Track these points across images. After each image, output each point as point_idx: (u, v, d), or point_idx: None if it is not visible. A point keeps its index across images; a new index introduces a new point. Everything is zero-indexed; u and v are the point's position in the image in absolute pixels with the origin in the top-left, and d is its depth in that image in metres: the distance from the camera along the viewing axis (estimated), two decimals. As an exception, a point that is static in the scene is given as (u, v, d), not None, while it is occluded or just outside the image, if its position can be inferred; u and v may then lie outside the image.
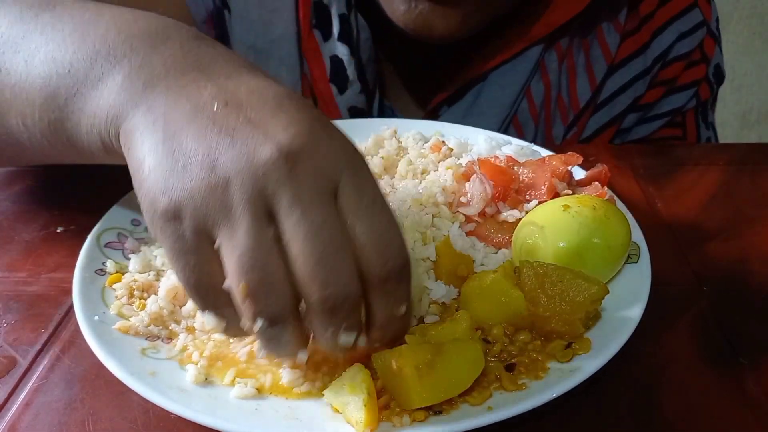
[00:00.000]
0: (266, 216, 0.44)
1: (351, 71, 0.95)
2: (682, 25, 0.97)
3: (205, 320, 0.48)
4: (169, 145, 0.47)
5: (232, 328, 0.48)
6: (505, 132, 0.96)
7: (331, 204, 0.45)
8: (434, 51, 0.91)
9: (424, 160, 0.77)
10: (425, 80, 1.01)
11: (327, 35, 0.95)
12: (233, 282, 0.45)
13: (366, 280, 0.46)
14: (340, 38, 0.94)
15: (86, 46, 0.55)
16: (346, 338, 0.47)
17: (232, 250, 0.44)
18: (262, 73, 0.52)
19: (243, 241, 0.44)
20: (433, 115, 1.00)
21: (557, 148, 0.80)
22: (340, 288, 0.45)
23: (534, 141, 0.96)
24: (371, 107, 1.00)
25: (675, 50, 0.97)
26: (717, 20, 1.02)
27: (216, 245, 0.45)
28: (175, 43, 0.53)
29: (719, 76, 1.02)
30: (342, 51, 0.94)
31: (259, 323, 0.45)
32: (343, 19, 0.93)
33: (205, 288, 0.46)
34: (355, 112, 0.98)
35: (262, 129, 0.46)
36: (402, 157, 0.78)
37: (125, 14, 0.57)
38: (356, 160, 0.47)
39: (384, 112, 1.02)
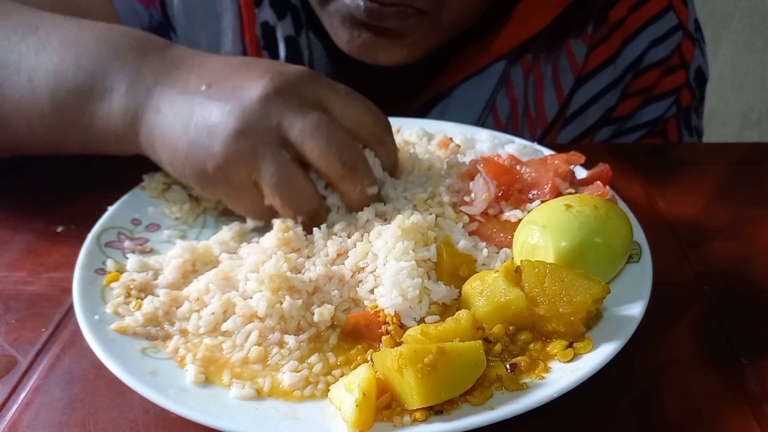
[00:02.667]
0: (280, 142, 0.62)
1: None
2: (656, 31, 0.93)
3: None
4: (186, 127, 0.63)
5: (318, 205, 0.67)
6: None
7: (321, 109, 0.64)
8: (393, 71, 0.90)
9: (431, 156, 0.77)
10: (389, 96, 0.98)
11: (275, 57, 0.94)
12: (271, 200, 0.64)
13: (368, 141, 0.67)
14: (288, 60, 0.93)
15: (84, 66, 0.68)
16: (371, 189, 0.67)
17: (264, 179, 0.63)
18: (214, 55, 0.69)
19: (269, 169, 0.62)
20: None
21: (559, 148, 0.80)
22: (352, 152, 0.64)
23: None
24: None
25: (648, 57, 0.94)
26: (696, 21, 0.98)
27: (284, 141, 0.63)
28: (154, 52, 0.69)
29: (701, 80, 0.99)
30: None
31: (347, 167, 0.64)
32: (290, 41, 0.92)
33: (291, 178, 0.63)
34: None
35: (245, 86, 0.63)
36: (408, 152, 0.78)
37: (104, 30, 0.71)
38: (320, 75, 0.66)
39: None
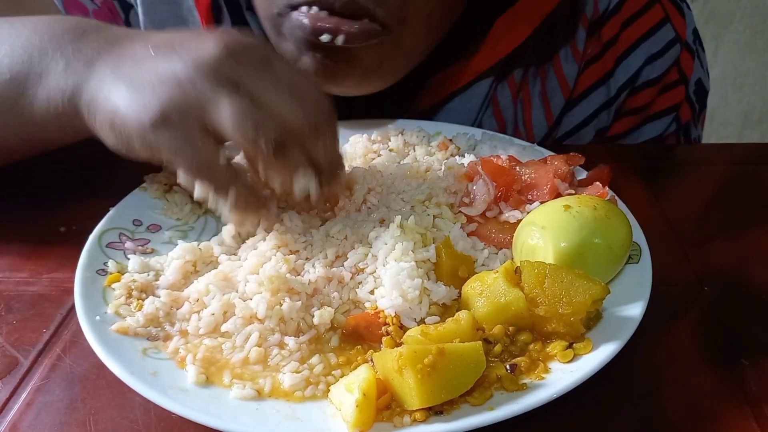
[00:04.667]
0: (235, 88, 0.57)
1: None
2: (652, 46, 0.89)
3: (223, 204, 0.60)
4: (130, 84, 0.59)
5: (241, 196, 0.60)
6: None
7: (273, 70, 0.60)
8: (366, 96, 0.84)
9: (430, 158, 0.77)
10: (372, 113, 0.93)
11: None
12: (238, 130, 0.56)
13: (297, 133, 0.59)
14: None
15: (18, 54, 0.66)
16: (304, 180, 0.61)
17: (226, 114, 0.56)
18: (161, 32, 0.65)
19: (230, 104, 0.56)
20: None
21: (559, 149, 0.80)
22: (316, 107, 0.59)
23: None
24: None
25: (644, 75, 0.90)
26: (695, 31, 0.93)
27: (207, 125, 0.57)
28: (92, 32, 0.65)
29: (702, 92, 0.95)
30: None
31: (270, 148, 0.57)
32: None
33: (210, 166, 0.58)
34: None
35: (195, 44, 0.59)
36: (408, 153, 0.78)
37: (40, 21, 0.68)
38: (268, 52, 0.62)
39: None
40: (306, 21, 0.71)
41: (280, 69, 0.60)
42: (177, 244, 0.68)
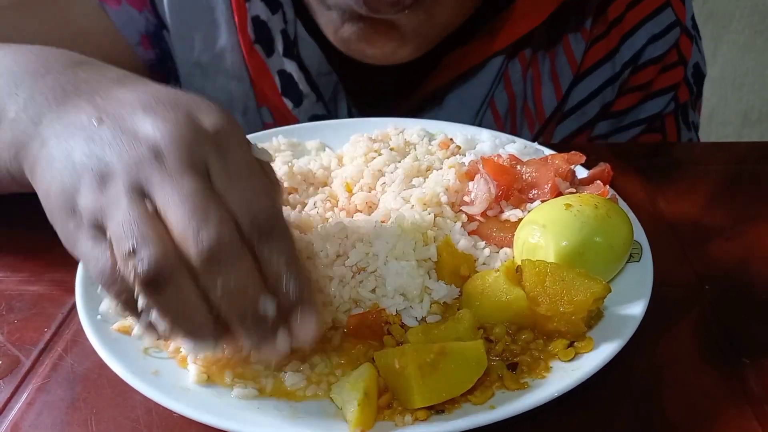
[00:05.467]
0: (141, 196, 0.48)
1: (303, 85, 0.94)
2: (654, 27, 0.93)
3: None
4: (65, 163, 0.52)
5: (141, 323, 0.49)
6: None
7: (200, 178, 0.49)
8: (384, 69, 0.89)
9: (431, 157, 0.77)
10: (386, 93, 0.99)
11: (270, 51, 0.93)
12: (118, 246, 0.47)
13: (245, 239, 0.48)
14: (286, 54, 0.93)
15: None
16: (238, 293, 0.47)
17: (116, 224, 0.47)
18: (132, 83, 0.57)
19: (122, 215, 0.47)
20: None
21: (560, 148, 0.80)
22: (213, 234, 0.46)
23: None
24: (335, 114, 0.99)
25: (647, 54, 0.94)
26: (693, 18, 0.99)
27: (108, 235, 0.48)
28: (54, 74, 0.59)
29: (699, 76, 1.00)
30: (290, 66, 0.93)
31: (142, 274, 0.46)
32: (285, 35, 0.92)
33: (107, 274, 0.48)
34: (318, 120, 0.95)
35: (132, 134, 0.51)
36: (409, 152, 0.78)
37: (11, 53, 0.64)
38: (223, 137, 0.51)
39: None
40: None
41: (219, 177, 0.50)
42: None
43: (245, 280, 0.47)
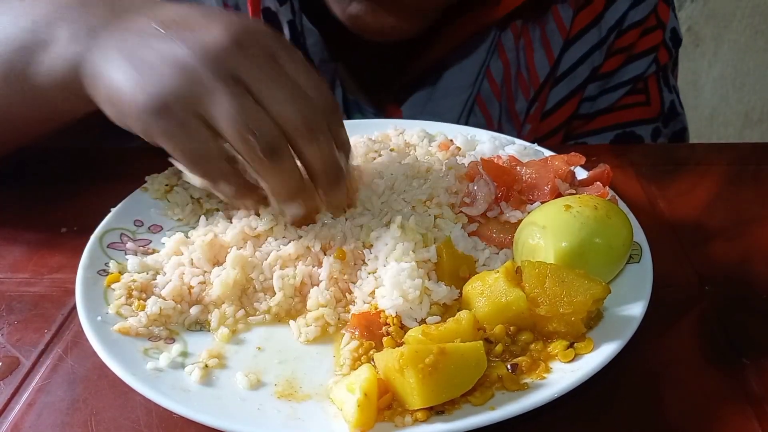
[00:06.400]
0: (237, 83, 0.57)
1: None
2: None
3: (218, 193, 0.63)
4: (132, 62, 0.58)
5: (240, 188, 0.61)
6: (470, 111, 1.00)
7: (278, 66, 0.60)
8: (385, 47, 0.92)
9: (431, 158, 0.77)
10: (385, 70, 1.02)
11: None
12: (231, 129, 0.56)
13: (316, 112, 0.60)
14: (292, 43, 0.94)
15: (24, 22, 0.66)
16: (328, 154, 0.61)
17: (223, 109, 0.56)
18: (179, 4, 0.64)
19: (228, 100, 0.56)
20: (398, 101, 1.01)
21: (560, 149, 0.80)
22: (306, 111, 0.59)
23: (499, 117, 1.00)
24: None
25: (629, 18, 0.99)
26: None
27: (204, 117, 0.57)
28: (98, 1, 0.65)
29: (676, 40, 1.05)
30: None
31: (262, 150, 0.57)
32: (292, 26, 0.94)
33: (206, 157, 0.58)
34: None
35: (204, 29, 0.59)
36: (409, 153, 0.78)
37: None
38: (280, 36, 0.63)
39: (349, 106, 1.03)
40: None
41: (286, 63, 0.60)
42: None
43: (329, 146, 0.61)
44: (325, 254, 0.65)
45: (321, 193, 0.64)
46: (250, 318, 0.62)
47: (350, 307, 0.62)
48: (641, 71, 1.03)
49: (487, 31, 0.97)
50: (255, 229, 0.66)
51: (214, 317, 0.61)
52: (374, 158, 0.78)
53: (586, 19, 0.99)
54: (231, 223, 0.68)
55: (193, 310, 0.62)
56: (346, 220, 0.67)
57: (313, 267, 0.64)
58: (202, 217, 0.70)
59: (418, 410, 0.50)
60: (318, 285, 0.63)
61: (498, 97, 1.01)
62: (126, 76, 0.59)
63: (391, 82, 1.01)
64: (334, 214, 0.67)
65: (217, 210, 0.75)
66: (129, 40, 0.60)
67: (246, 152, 0.58)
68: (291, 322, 0.61)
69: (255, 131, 0.56)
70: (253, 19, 0.61)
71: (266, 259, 0.64)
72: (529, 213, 0.65)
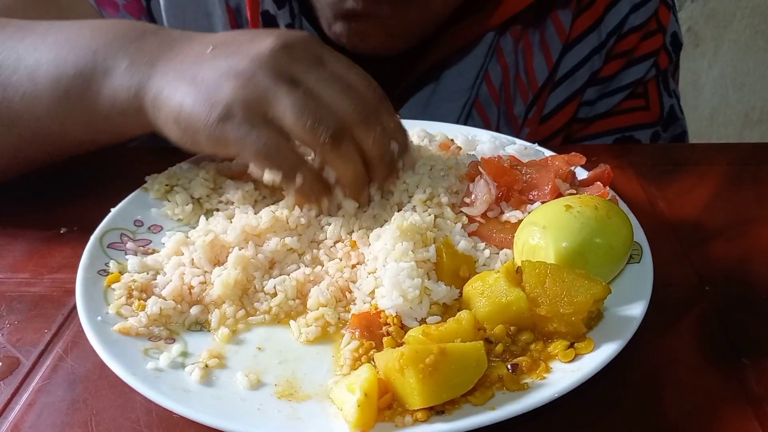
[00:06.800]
0: (292, 82, 0.63)
1: None
2: None
3: (291, 187, 0.65)
4: (193, 82, 0.64)
5: (307, 180, 0.65)
6: (468, 115, 1.00)
7: (325, 68, 0.65)
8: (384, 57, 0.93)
9: (431, 157, 0.77)
10: (382, 74, 1.01)
11: None
12: (298, 123, 0.62)
13: (369, 104, 0.65)
14: None
15: (82, 53, 0.70)
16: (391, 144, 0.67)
17: (287, 107, 0.62)
18: (224, 32, 0.72)
19: (290, 98, 0.62)
20: (396, 105, 1.00)
21: (560, 149, 0.80)
22: (364, 103, 0.64)
23: (497, 121, 1.00)
24: None
25: (629, 22, 0.99)
26: None
27: (269, 117, 0.62)
28: (150, 34, 0.71)
29: (677, 44, 1.04)
30: None
31: (327, 139, 0.62)
32: (290, 28, 0.94)
33: (278, 150, 0.63)
34: None
35: (252, 43, 0.65)
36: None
37: (99, 24, 0.74)
38: (321, 41, 0.69)
39: None
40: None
41: (332, 64, 0.66)
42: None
43: (384, 134, 0.66)
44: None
45: (376, 181, 0.68)
46: (251, 318, 0.62)
47: (350, 306, 0.62)
48: (641, 75, 1.03)
49: (485, 35, 0.97)
50: (256, 227, 0.66)
51: (214, 317, 0.61)
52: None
53: (585, 23, 0.99)
54: (231, 223, 0.68)
55: (194, 310, 0.62)
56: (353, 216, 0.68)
57: (315, 267, 0.65)
58: (202, 217, 0.70)
59: (418, 410, 0.50)
60: (319, 284, 0.63)
61: (496, 101, 1.01)
62: (189, 94, 0.63)
63: (388, 87, 1.01)
64: (363, 203, 0.70)
65: (217, 210, 0.75)
66: (185, 63, 0.66)
67: (313, 142, 0.63)
68: (291, 322, 0.61)
69: (319, 122, 0.61)
70: (295, 31, 0.69)
71: (268, 260, 0.64)
72: (529, 213, 0.65)
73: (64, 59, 0.70)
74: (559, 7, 0.97)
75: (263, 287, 0.63)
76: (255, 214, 0.69)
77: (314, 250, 0.67)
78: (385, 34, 0.87)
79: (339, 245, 0.67)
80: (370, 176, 0.68)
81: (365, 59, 0.91)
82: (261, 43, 0.64)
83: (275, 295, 0.63)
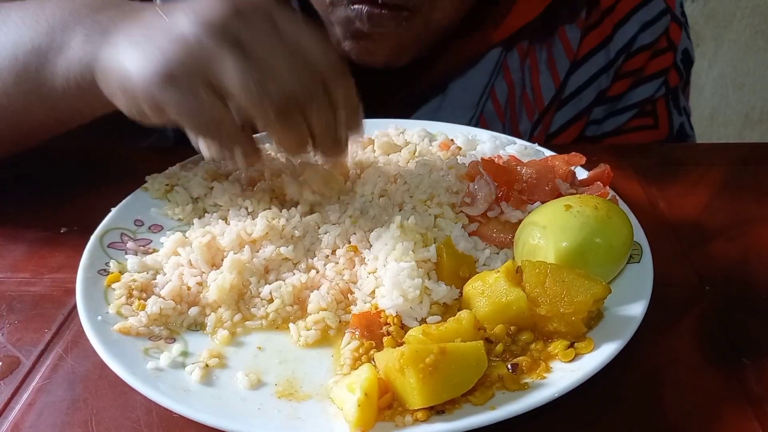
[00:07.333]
0: (240, 47, 0.59)
1: None
2: (645, 15, 0.97)
3: (232, 161, 0.63)
4: (139, 46, 0.61)
5: (247, 153, 0.63)
6: None
7: (277, 33, 0.61)
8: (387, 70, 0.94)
9: (431, 157, 0.77)
10: (389, 86, 1.02)
11: None
12: (242, 92, 0.59)
13: (318, 74, 0.62)
14: None
15: (40, 28, 0.69)
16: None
17: (231, 74, 0.58)
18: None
19: (236, 65, 0.58)
20: (404, 115, 0.99)
21: (560, 149, 0.80)
22: (315, 68, 0.61)
23: None
24: None
25: (639, 41, 0.98)
26: (681, 5, 1.02)
27: (213, 83, 0.59)
28: (111, 6, 0.69)
29: (688, 61, 1.03)
30: None
31: (273, 109, 0.59)
32: None
33: (217, 121, 0.60)
34: None
35: (207, 7, 0.61)
36: (410, 152, 0.79)
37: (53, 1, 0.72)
38: (277, 6, 0.64)
39: None
40: (363, 8, 0.81)
41: (285, 27, 0.62)
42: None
43: (327, 111, 0.63)
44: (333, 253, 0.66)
45: (320, 153, 0.67)
46: (248, 323, 0.61)
47: (351, 308, 0.62)
48: (650, 94, 1.01)
49: (491, 51, 0.97)
50: (251, 234, 0.66)
51: (209, 321, 0.61)
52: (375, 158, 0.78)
53: (594, 42, 0.98)
54: (227, 224, 0.68)
55: (192, 311, 0.61)
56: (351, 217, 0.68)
57: (310, 272, 0.65)
58: (196, 219, 0.70)
59: (418, 410, 0.50)
60: (318, 288, 0.63)
61: (501, 118, 1.00)
62: (133, 59, 0.61)
63: (393, 101, 1.01)
64: (332, 186, 0.71)
65: (213, 206, 0.75)
66: (136, 30, 0.63)
67: (256, 113, 0.60)
68: (291, 325, 0.61)
69: (264, 92, 0.59)
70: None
71: (263, 265, 0.64)
72: (529, 213, 0.65)
73: (22, 38, 0.70)
74: (565, 22, 0.96)
75: (259, 292, 0.63)
76: (245, 211, 0.69)
77: (309, 260, 0.66)
78: (392, 48, 0.88)
79: (339, 252, 0.66)
80: (315, 148, 0.66)
81: (373, 70, 0.92)
82: (212, 6, 0.61)
83: (272, 300, 0.62)
